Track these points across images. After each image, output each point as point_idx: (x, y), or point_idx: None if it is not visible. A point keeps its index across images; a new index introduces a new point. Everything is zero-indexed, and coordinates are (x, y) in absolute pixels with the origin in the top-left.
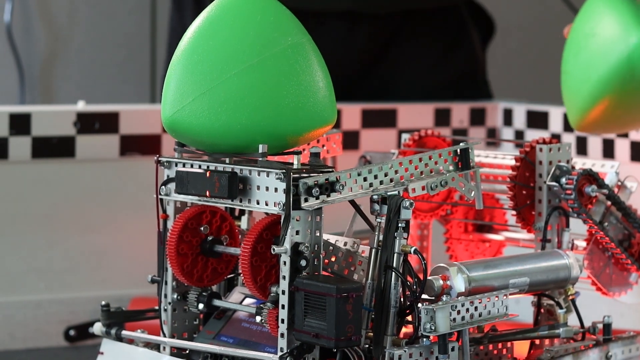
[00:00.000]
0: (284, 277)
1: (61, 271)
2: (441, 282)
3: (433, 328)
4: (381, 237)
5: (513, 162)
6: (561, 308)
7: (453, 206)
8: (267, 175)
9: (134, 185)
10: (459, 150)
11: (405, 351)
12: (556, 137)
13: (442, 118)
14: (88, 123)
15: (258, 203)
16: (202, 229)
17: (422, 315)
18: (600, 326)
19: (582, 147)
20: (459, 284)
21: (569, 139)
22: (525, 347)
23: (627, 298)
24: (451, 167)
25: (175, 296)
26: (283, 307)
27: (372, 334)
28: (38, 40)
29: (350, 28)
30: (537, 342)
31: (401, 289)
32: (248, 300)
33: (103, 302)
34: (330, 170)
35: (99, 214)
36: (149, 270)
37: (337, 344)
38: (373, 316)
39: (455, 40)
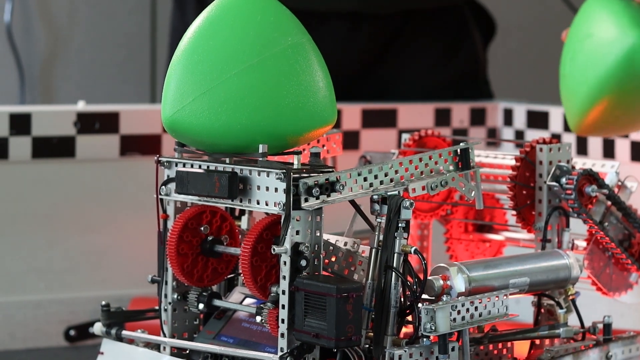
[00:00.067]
0: (284, 277)
1: (61, 271)
2: (441, 282)
3: (433, 328)
4: (381, 237)
5: (513, 162)
6: (561, 308)
7: (453, 206)
8: (267, 175)
9: (134, 185)
10: (459, 150)
11: (405, 351)
12: (556, 137)
13: (443, 118)
14: (88, 123)
15: (258, 203)
16: (202, 229)
17: (423, 315)
18: (600, 326)
19: (582, 147)
20: (459, 284)
21: (569, 139)
22: (526, 347)
23: (627, 298)
24: (451, 167)
25: (175, 296)
26: (283, 307)
27: (372, 334)
28: (38, 40)
29: (351, 28)
30: (538, 342)
31: (401, 289)
32: (248, 300)
33: (103, 302)
34: (331, 170)
35: (99, 214)
36: (149, 270)
37: (337, 344)
38: (373, 316)
39: (456, 41)
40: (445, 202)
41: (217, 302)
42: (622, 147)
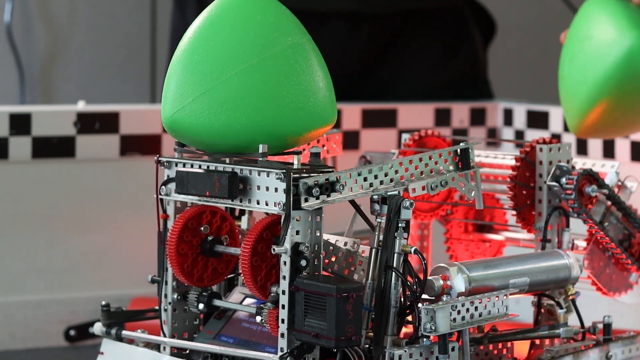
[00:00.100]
0: (284, 277)
1: (61, 271)
2: (441, 282)
3: (433, 328)
4: (381, 237)
5: (513, 162)
6: (561, 308)
7: (453, 206)
8: (267, 175)
9: (134, 185)
10: (459, 150)
11: (405, 351)
12: (556, 137)
13: (443, 118)
14: (88, 123)
15: (258, 203)
16: (202, 229)
17: (423, 315)
18: (600, 326)
19: (582, 147)
20: (459, 284)
21: (569, 139)
22: (526, 347)
23: (627, 298)
24: (451, 167)
25: (175, 296)
26: (283, 307)
27: (372, 334)
28: (38, 40)
29: (351, 28)
30: (538, 342)
31: (401, 289)
32: (248, 300)
33: (103, 302)
34: (331, 170)
35: (99, 214)
36: (149, 270)
37: (337, 344)
38: (373, 316)
39: (456, 41)
40: (445, 202)
41: (217, 302)
42: (622, 147)
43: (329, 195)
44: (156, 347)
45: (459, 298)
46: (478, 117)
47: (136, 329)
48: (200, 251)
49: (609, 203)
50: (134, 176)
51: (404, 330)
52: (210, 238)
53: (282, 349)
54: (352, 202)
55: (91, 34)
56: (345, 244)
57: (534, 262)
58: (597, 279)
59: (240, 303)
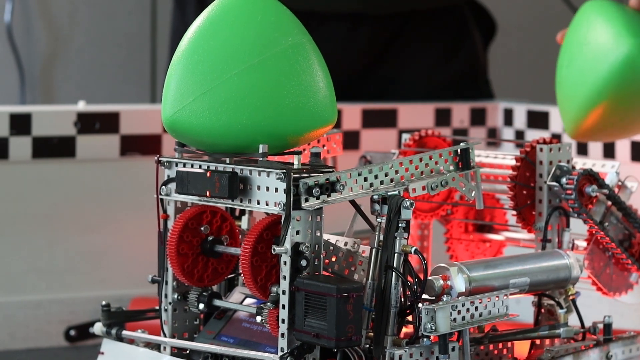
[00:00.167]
0: (284, 277)
1: (61, 271)
2: (442, 282)
3: (433, 328)
4: (382, 237)
5: (513, 162)
6: (562, 308)
7: (453, 206)
8: (268, 175)
9: (134, 185)
10: (459, 150)
11: (405, 351)
12: (557, 137)
13: (443, 118)
14: (88, 123)
15: (258, 203)
16: (202, 229)
17: (423, 315)
18: (600, 326)
19: (582, 147)
20: (459, 284)
21: (570, 139)
22: (526, 347)
23: (627, 298)
24: (451, 167)
25: (175, 296)
26: (283, 307)
27: (372, 334)
28: (38, 40)
29: (351, 28)
30: (538, 342)
31: (402, 289)
32: (248, 300)
33: (103, 302)
34: (331, 170)
35: (99, 214)
36: (149, 270)
37: (338, 344)
38: (373, 316)
39: (456, 41)
40: (446, 202)
41: (217, 302)
42: (623, 147)
43: (329, 195)
44: (156, 347)
45: (459, 298)
46: (478, 117)
47: (136, 329)
48: (201, 251)
49: (609, 203)
50: (134, 176)
51: (404, 330)
52: (210, 238)
53: (282, 349)
54: (353, 202)
55: (91, 34)
56: (346, 244)
57: (534, 262)
58: (597, 279)
59: (241, 303)
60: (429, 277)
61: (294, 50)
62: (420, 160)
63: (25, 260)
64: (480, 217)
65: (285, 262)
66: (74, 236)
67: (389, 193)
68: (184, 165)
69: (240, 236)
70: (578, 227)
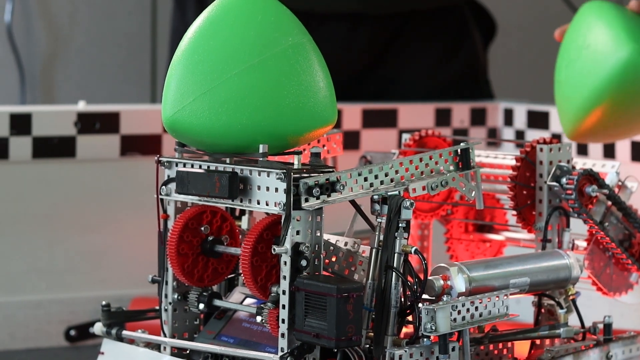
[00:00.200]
0: (284, 277)
1: (61, 271)
2: (442, 282)
3: (434, 328)
4: (382, 237)
5: (513, 162)
6: (562, 308)
7: (453, 206)
8: (268, 175)
9: (134, 185)
10: (459, 150)
11: (405, 351)
12: (557, 137)
13: (443, 118)
14: (88, 123)
15: (258, 203)
16: (202, 229)
17: (423, 315)
18: (600, 326)
19: (582, 147)
20: (459, 284)
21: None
22: (526, 347)
23: (627, 298)
24: (452, 167)
25: (175, 296)
26: (284, 307)
27: (372, 334)
28: (38, 40)
29: (351, 28)
30: (538, 342)
31: (402, 289)
32: (248, 300)
33: (103, 302)
34: (331, 170)
35: (99, 214)
36: (149, 270)
37: (338, 344)
38: (374, 316)
39: (456, 41)
40: (446, 202)
41: (217, 302)
42: (623, 147)
43: (329, 195)
44: (156, 347)
45: (460, 298)
46: (478, 117)
47: (136, 329)
48: (201, 251)
49: (610, 203)
50: (134, 176)
51: (404, 330)
52: (210, 238)
53: (282, 349)
54: (353, 202)
55: (91, 34)
56: (346, 244)
57: (534, 262)
58: (597, 279)
59: (241, 303)
60: (429, 277)
61: (294, 50)
62: (421, 160)
63: (25, 260)
64: (480, 217)
65: (285, 262)
66: (74, 236)
67: (389, 193)
68: (184, 165)
69: (240, 236)
70: (578, 227)
